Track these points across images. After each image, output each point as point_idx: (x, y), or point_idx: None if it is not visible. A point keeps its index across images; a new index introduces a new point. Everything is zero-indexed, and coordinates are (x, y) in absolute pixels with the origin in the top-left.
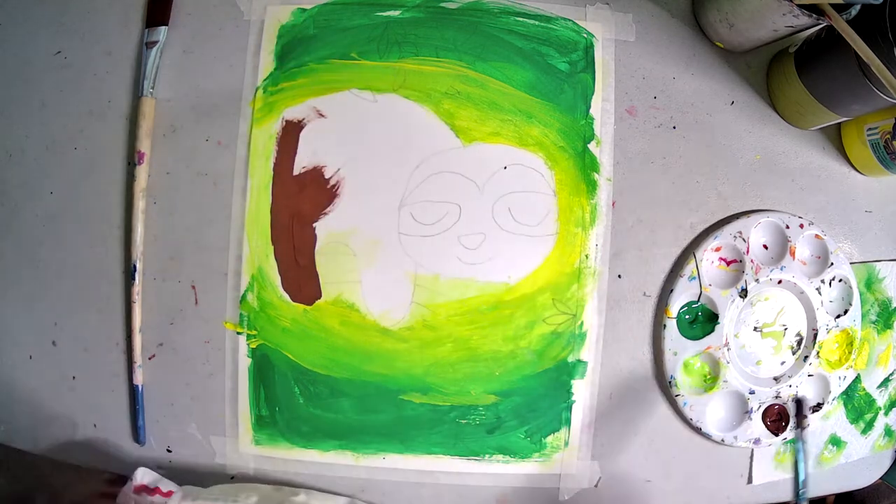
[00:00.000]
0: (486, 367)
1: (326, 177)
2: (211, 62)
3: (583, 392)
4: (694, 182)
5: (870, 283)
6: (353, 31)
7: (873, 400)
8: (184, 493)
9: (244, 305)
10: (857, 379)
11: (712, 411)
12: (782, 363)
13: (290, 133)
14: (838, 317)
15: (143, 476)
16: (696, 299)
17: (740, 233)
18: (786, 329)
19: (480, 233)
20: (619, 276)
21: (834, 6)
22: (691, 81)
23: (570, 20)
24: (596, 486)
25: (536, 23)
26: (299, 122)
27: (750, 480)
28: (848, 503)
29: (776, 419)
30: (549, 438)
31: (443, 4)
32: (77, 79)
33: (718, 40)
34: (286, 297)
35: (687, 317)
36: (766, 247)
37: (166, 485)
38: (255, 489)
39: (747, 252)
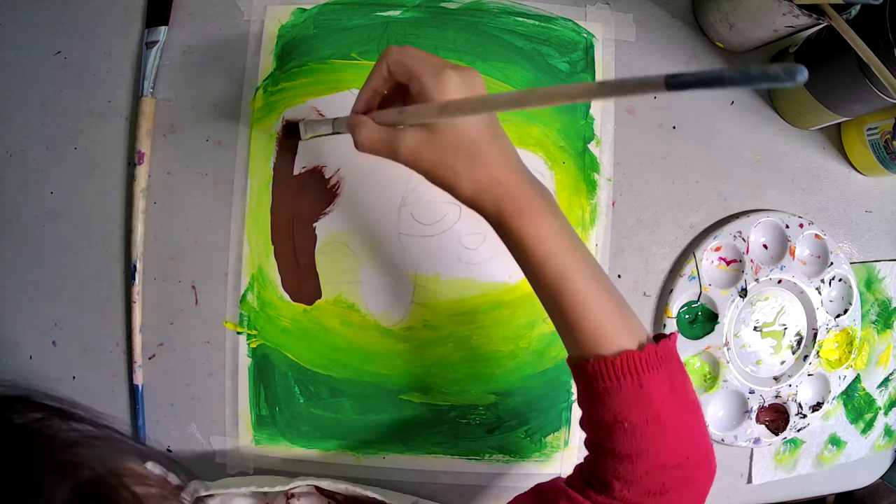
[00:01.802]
0: (486, 367)
1: (326, 177)
2: (211, 62)
3: None
4: (694, 182)
5: (870, 283)
6: (353, 31)
7: (873, 400)
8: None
9: (244, 305)
10: (857, 379)
11: (712, 411)
12: (782, 363)
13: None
14: (838, 316)
15: (152, 468)
16: (696, 299)
17: (740, 232)
18: (785, 329)
19: (480, 233)
20: (619, 276)
21: (834, 6)
22: None
23: (570, 20)
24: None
25: (536, 23)
26: (299, 122)
27: (750, 480)
28: (848, 503)
29: (773, 419)
30: (549, 438)
31: (443, 4)
32: (77, 79)
33: (718, 40)
34: (286, 296)
35: (687, 316)
36: (765, 246)
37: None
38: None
39: (747, 252)
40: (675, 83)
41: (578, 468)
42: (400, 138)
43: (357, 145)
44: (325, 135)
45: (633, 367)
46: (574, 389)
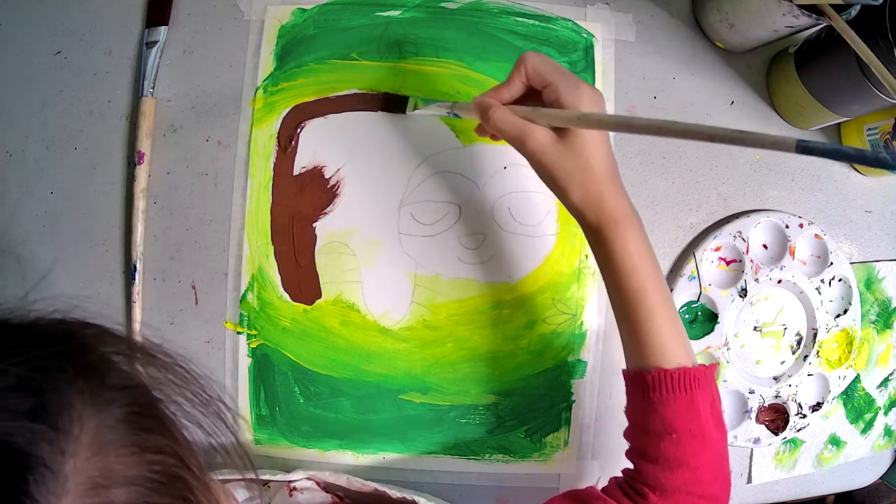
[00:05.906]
0: (486, 367)
1: (326, 177)
2: (211, 62)
3: (583, 392)
4: (694, 182)
5: (869, 283)
6: (353, 31)
7: (873, 400)
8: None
9: (244, 305)
10: (857, 379)
11: None
12: (782, 363)
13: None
14: (838, 316)
15: None
16: (695, 299)
17: (740, 232)
18: (785, 328)
19: (480, 233)
20: None
21: (834, 6)
22: (691, 81)
23: (569, 20)
24: (596, 486)
25: (536, 23)
26: (299, 122)
27: (749, 480)
28: (848, 503)
29: (773, 419)
30: (549, 438)
31: (443, 4)
32: (77, 79)
33: (718, 40)
34: (286, 296)
35: (687, 316)
36: (765, 246)
37: None
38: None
39: (747, 252)
40: (805, 147)
41: (614, 479)
42: (531, 130)
43: (488, 122)
44: (431, 114)
45: (689, 382)
46: (574, 390)
